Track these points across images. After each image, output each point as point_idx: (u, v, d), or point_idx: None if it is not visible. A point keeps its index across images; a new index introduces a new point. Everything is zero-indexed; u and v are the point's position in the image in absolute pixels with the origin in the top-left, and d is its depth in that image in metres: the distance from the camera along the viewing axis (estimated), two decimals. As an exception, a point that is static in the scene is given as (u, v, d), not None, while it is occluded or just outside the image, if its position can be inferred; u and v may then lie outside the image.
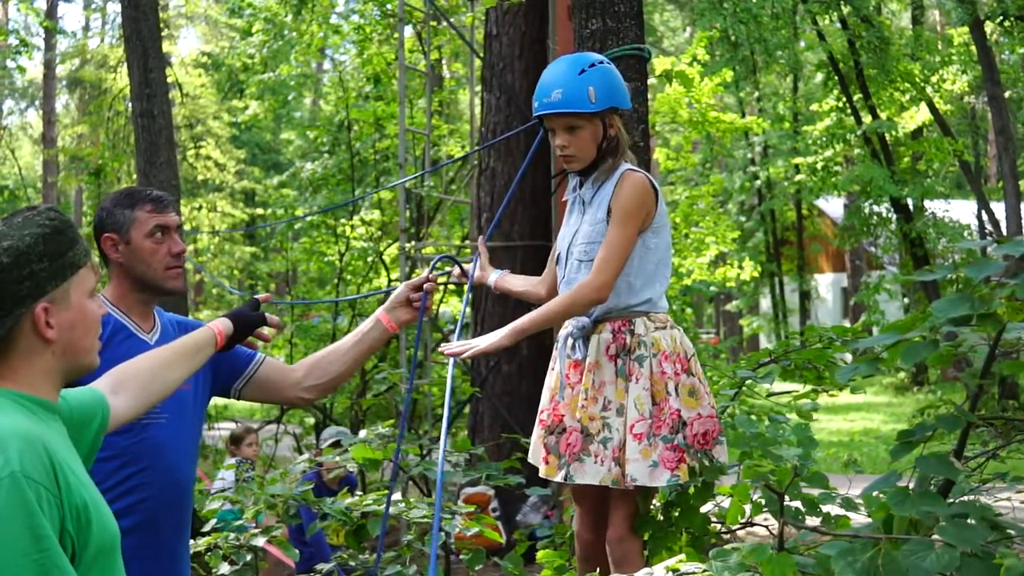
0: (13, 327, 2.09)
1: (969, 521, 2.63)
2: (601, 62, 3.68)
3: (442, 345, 3.72)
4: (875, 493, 3.10)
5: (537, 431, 3.84)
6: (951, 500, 3.27)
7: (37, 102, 44.46)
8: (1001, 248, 2.66)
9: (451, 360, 3.61)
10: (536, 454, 3.83)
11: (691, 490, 3.85)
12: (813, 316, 33.02)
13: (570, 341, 3.71)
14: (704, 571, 2.81)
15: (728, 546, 2.91)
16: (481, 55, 10.26)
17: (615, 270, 3.52)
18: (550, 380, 3.86)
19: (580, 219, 3.74)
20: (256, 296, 3.22)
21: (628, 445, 3.52)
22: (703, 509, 3.94)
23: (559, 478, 3.64)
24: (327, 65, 29.35)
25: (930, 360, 3.02)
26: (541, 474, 3.74)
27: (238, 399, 3.50)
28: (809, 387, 4.98)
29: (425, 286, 3.56)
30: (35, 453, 1.94)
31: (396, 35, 12.02)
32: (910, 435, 2.98)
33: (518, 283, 4.05)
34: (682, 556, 2.95)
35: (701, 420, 3.60)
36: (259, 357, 3.49)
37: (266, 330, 3.17)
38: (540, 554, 4.50)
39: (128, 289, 3.26)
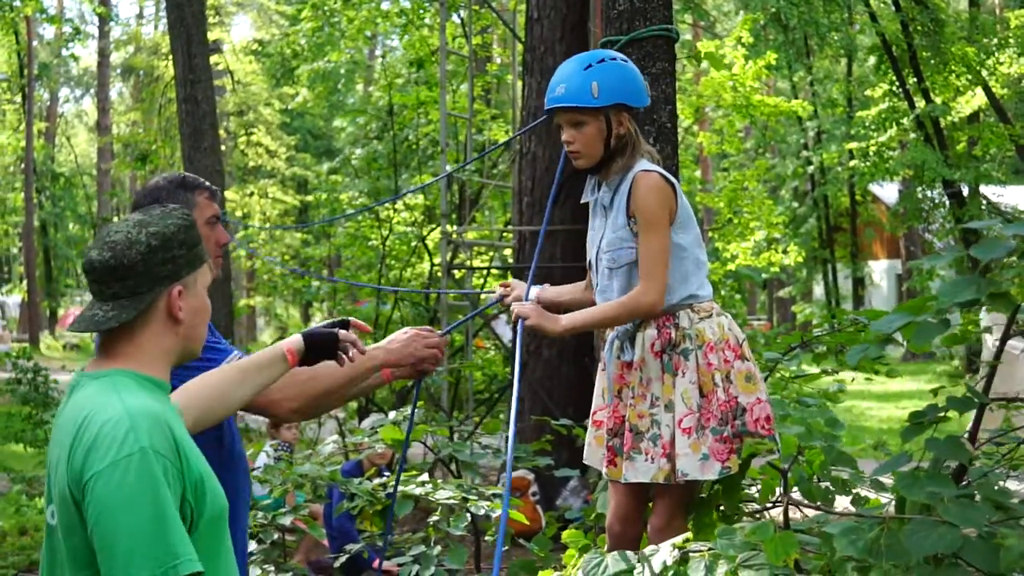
0: (150, 305, 2.31)
1: (975, 500, 2.61)
2: (614, 59, 3.61)
3: (514, 304, 3.64)
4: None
5: (592, 432, 3.82)
6: (969, 482, 3.23)
7: (92, 90, 45.05)
8: (1010, 228, 2.62)
9: (520, 323, 3.55)
10: (594, 456, 3.81)
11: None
12: (867, 303, 32.66)
13: (617, 343, 3.70)
14: (709, 549, 2.81)
15: (736, 524, 2.90)
16: (523, 39, 10.24)
17: (662, 278, 3.50)
18: (601, 381, 3.84)
19: (604, 224, 3.71)
20: (347, 319, 3.18)
21: (677, 440, 3.50)
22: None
23: (622, 479, 3.64)
24: (379, 52, 29.49)
25: (943, 341, 2.99)
26: (605, 476, 3.74)
27: None
28: (821, 370, 4.93)
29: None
30: (161, 430, 2.15)
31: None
32: (921, 416, 2.96)
33: (565, 292, 3.98)
34: (688, 535, 2.94)
35: (761, 405, 3.56)
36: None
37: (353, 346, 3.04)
38: (565, 533, 4.49)
39: None
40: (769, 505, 4.25)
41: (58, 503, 2.20)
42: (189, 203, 3.26)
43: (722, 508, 3.81)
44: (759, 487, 4.16)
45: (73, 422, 2.20)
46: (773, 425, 3.56)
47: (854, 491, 3.82)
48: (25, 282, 39.68)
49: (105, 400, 2.20)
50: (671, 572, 2.76)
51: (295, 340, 2.94)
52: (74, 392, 2.29)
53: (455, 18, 14.98)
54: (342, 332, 2.99)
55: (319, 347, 2.95)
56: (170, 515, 2.11)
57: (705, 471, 3.46)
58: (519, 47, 11.16)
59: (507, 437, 6.35)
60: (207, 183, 3.37)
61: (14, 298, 47.40)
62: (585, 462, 3.86)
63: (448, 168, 10.79)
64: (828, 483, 3.82)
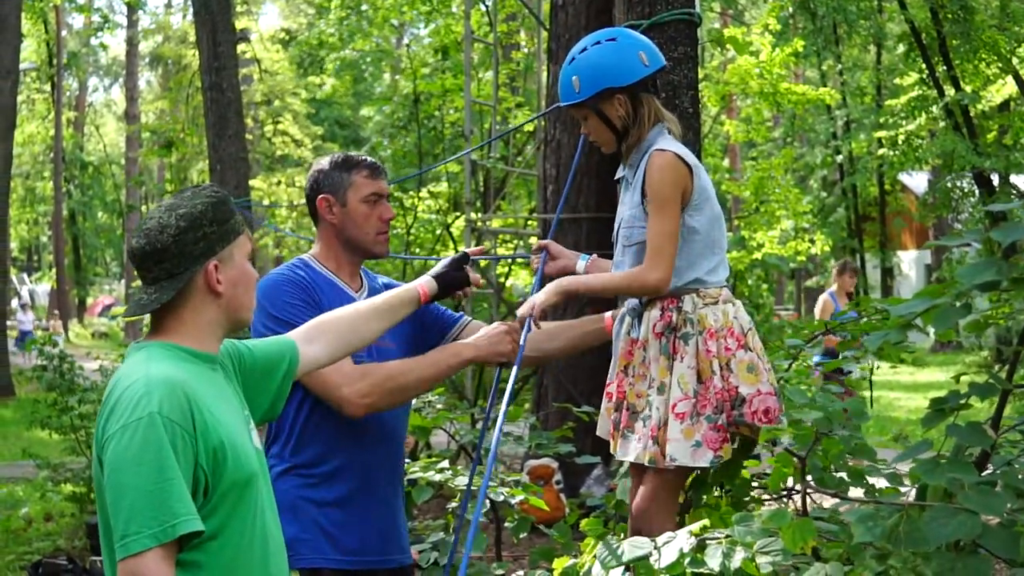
0: (189, 282, 2.44)
1: (996, 488, 2.57)
2: (597, 43, 3.51)
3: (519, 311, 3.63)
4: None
5: (604, 403, 3.80)
6: (993, 470, 3.19)
7: (120, 79, 45.29)
8: (1031, 210, 2.58)
9: (528, 322, 3.51)
10: (604, 427, 3.79)
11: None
12: (896, 292, 32.45)
13: (628, 319, 3.67)
14: (727, 536, 2.79)
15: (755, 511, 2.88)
16: (548, 27, 10.21)
17: (669, 260, 3.44)
18: (614, 355, 3.82)
19: (628, 200, 3.69)
20: (465, 251, 3.36)
21: (670, 424, 3.45)
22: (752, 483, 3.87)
23: (616, 456, 3.62)
24: (405, 40, 29.51)
25: (967, 328, 2.95)
26: (612, 450, 3.72)
27: None
28: (842, 357, 4.87)
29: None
30: (175, 397, 2.29)
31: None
32: (942, 403, 2.91)
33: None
34: (706, 521, 2.92)
35: (761, 396, 3.49)
36: (464, 320, 3.62)
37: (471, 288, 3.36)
38: (584, 522, 4.46)
39: (339, 250, 3.44)
40: (785, 493, 4.21)
41: (93, 463, 2.39)
42: (344, 182, 3.39)
43: (728, 490, 3.77)
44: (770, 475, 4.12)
45: (108, 388, 2.39)
46: (780, 416, 3.50)
47: (869, 482, 3.78)
48: (54, 270, 40.02)
49: (134, 369, 2.37)
50: (687, 559, 2.74)
51: (427, 281, 3.18)
52: (124, 362, 2.48)
53: (481, 6, 14.95)
54: (472, 276, 3.30)
55: (450, 287, 3.24)
56: (172, 477, 2.23)
57: (696, 458, 3.40)
58: (544, 34, 11.13)
59: (531, 424, 6.34)
60: (370, 161, 3.45)
61: (43, 286, 47.81)
62: (598, 434, 3.84)
63: (473, 156, 10.77)
64: (844, 473, 3.78)
